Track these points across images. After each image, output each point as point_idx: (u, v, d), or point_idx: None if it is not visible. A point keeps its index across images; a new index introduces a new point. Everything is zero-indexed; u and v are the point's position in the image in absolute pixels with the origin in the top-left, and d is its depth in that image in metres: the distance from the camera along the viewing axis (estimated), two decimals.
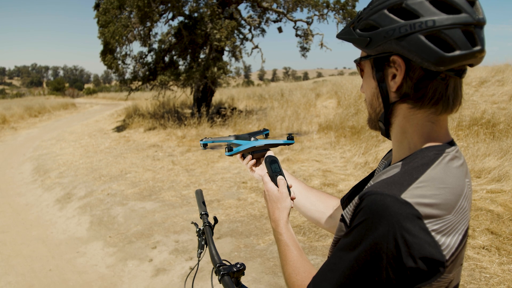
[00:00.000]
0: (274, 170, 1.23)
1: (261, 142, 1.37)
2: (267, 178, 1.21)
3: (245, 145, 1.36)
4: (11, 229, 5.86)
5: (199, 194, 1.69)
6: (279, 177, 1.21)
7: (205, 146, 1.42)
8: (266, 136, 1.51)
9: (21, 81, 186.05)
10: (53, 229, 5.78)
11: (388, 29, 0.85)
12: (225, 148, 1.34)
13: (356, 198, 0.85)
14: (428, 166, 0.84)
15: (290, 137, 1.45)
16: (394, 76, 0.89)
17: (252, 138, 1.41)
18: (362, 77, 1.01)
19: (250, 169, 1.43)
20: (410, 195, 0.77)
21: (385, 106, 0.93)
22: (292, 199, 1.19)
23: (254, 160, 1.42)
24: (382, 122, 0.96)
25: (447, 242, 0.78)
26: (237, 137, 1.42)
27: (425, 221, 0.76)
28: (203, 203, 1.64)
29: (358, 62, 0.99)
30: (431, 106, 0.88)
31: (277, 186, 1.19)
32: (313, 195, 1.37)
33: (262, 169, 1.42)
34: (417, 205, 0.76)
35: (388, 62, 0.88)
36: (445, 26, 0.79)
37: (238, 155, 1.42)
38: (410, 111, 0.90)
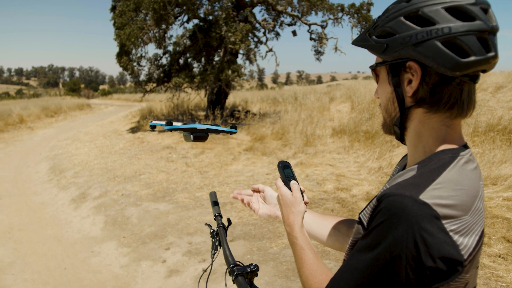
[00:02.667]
0: (287, 175, 1.25)
1: (203, 126, 1.38)
2: (281, 183, 1.23)
3: (188, 125, 1.36)
4: (27, 227, 5.95)
5: (213, 195, 1.71)
6: (292, 182, 1.23)
7: (153, 128, 1.39)
8: (232, 133, 1.48)
9: (38, 81, 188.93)
10: (68, 228, 5.85)
11: (405, 36, 0.87)
12: (165, 122, 1.33)
13: (374, 200, 0.86)
14: (444, 168, 0.85)
15: (234, 127, 1.48)
16: (410, 81, 0.91)
17: (197, 122, 1.42)
18: (377, 82, 1.03)
19: (248, 206, 1.45)
20: (428, 196, 0.79)
21: (400, 111, 0.96)
22: (306, 203, 1.21)
23: (253, 195, 1.46)
24: (398, 127, 0.98)
25: (465, 242, 0.80)
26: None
27: (443, 222, 0.78)
28: (217, 204, 1.66)
29: (374, 68, 1.01)
30: (446, 110, 0.90)
31: (291, 191, 1.20)
32: (328, 223, 1.36)
33: (265, 207, 1.44)
34: (435, 206, 0.78)
35: (404, 67, 0.91)
36: (461, 32, 0.82)
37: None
38: (426, 115, 0.92)
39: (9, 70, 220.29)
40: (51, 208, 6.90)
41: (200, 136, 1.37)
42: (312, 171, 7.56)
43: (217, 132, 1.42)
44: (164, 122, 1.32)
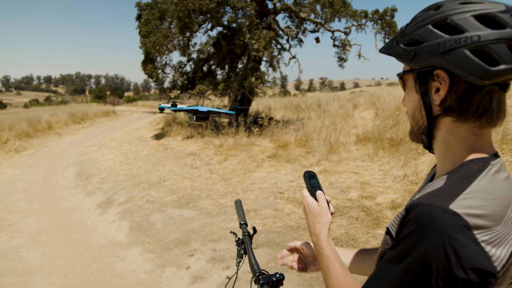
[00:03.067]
0: (313, 185, 1.25)
1: (205, 108, 1.43)
2: (306, 193, 1.23)
3: (191, 107, 1.42)
4: (55, 231, 6.07)
5: (238, 204, 1.72)
6: (318, 192, 1.22)
7: (161, 110, 1.48)
8: (230, 114, 1.58)
9: (66, 88, 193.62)
10: (94, 233, 5.95)
11: (433, 44, 0.86)
12: (170, 103, 1.39)
13: (402, 210, 0.85)
14: (474, 178, 0.84)
15: (232, 109, 1.56)
16: (437, 90, 0.90)
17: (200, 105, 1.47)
18: (404, 90, 1.02)
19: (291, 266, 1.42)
20: (458, 206, 0.77)
21: (428, 119, 0.95)
22: (332, 213, 1.19)
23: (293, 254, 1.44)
24: (425, 135, 0.97)
25: (498, 254, 0.78)
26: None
27: (475, 232, 0.76)
28: (242, 212, 1.67)
29: (401, 75, 1.00)
30: (475, 119, 0.88)
31: (317, 201, 1.20)
32: (350, 252, 1.35)
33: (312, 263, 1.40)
34: (466, 216, 0.76)
35: (432, 76, 0.90)
36: (490, 41, 0.81)
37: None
38: (454, 124, 0.90)
39: (39, 78, 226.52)
40: (78, 213, 7.03)
41: (201, 117, 1.43)
42: (336, 178, 7.50)
43: (218, 114, 1.47)
44: (171, 108, 1.42)
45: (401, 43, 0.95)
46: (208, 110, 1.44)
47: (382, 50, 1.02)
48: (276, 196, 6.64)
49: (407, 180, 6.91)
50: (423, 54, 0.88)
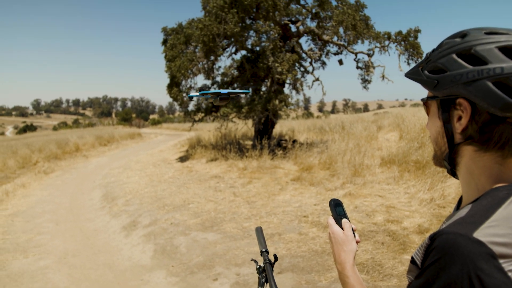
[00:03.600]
0: (339, 213, 1.26)
1: (225, 91, 1.68)
2: (332, 221, 1.24)
3: (215, 90, 1.68)
4: (81, 253, 6.14)
5: (259, 231, 1.72)
6: (344, 220, 1.23)
7: (191, 98, 1.73)
8: (245, 93, 1.93)
9: (93, 111, 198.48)
10: (119, 255, 5.98)
11: (455, 74, 0.87)
12: (197, 90, 1.56)
13: (427, 239, 0.83)
14: (499, 206, 0.82)
15: (247, 89, 1.84)
16: (459, 118, 0.90)
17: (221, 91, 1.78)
18: (428, 115, 1.03)
19: None
20: (483, 234, 0.76)
21: (449, 146, 0.95)
22: (357, 242, 1.19)
23: None
24: (447, 162, 0.97)
25: None
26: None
27: (500, 261, 0.74)
28: (263, 240, 1.67)
29: (425, 101, 1.01)
30: (497, 149, 0.87)
31: (342, 229, 1.20)
32: None
33: None
34: (491, 244, 0.74)
35: (454, 104, 0.90)
36: None
37: None
38: (476, 153, 0.90)
39: (67, 101, 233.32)
40: (103, 235, 7.10)
41: (224, 97, 1.69)
42: (361, 202, 7.39)
43: (236, 94, 1.71)
44: (198, 93, 1.68)
45: (425, 70, 0.96)
46: (228, 92, 1.68)
47: (407, 75, 1.03)
48: (301, 220, 6.58)
49: (434, 203, 6.76)
50: (446, 83, 0.89)
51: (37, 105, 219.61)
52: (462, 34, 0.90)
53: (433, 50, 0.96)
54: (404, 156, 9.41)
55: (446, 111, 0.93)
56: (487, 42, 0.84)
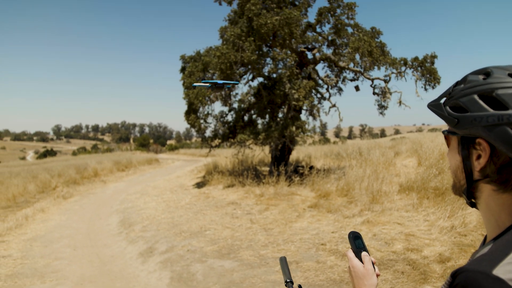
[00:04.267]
0: (358, 246, 1.25)
1: (221, 81, 2.24)
2: (351, 254, 1.23)
3: (212, 81, 2.21)
4: (98, 279, 6.13)
5: (284, 261, 1.71)
6: (364, 253, 1.22)
7: (194, 87, 2.56)
8: (233, 85, 3.06)
9: (112, 137, 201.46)
10: (135, 282, 5.96)
11: (476, 116, 0.87)
12: (201, 80, 2.00)
13: (449, 277, 0.83)
14: None
15: (236, 80, 2.35)
16: (479, 157, 0.90)
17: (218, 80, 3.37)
18: (448, 146, 1.03)
19: None
20: (503, 271, 0.74)
21: (468, 182, 0.94)
22: (377, 275, 1.19)
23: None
24: (466, 195, 0.97)
25: None
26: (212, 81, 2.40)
27: None
28: (288, 270, 1.66)
29: (446, 134, 1.01)
30: None
31: (362, 262, 1.20)
32: None
33: None
34: (511, 282, 0.73)
35: (474, 143, 0.90)
36: None
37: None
38: (494, 192, 0.89)
39: (87, 126, 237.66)
40: (120, 261, 7.10)
41: (219, 87, 2.22)
42: (380, 229, 7.27)
43: (228, 84, 2.23)
44: (201, 83, 2.20)
45: (447, 105, 0.96)
46: (223, 83, 2.22)
47: (429, 107, 1.03)
48: (318, 248, 6.49)
49: (454, 231, 6.61)
50: (466, 123, 0.89)
51: (57, 131, 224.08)
52: (486, 72, 0.90)
53: (456, 84, 0.96)
54: (423, 183, 9.28)
55: (466, 148, 0.93)
56: (510, 86, 0.84)
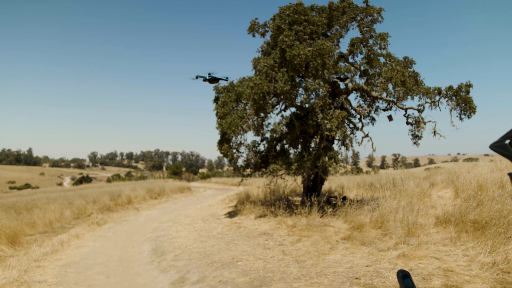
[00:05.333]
0: (407, 285, 1.23)
1: (217, 76, 5.78)
2: None
3: (208, 76, 5.45)
4: None
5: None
6: None
7: (196, 78, 4.32)
8: (225, 79, 7.17)
9: (145, 164, 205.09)
10: None
11: None
12: (196, 76, 3.81)
13: None
14: None
15: (226, 78, 6.35)
16: None
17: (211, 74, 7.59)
18: None
19: None
20: None
21: None
22: None
23: None
24: None
25: None
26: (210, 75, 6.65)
27: None
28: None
29: (511, 175, 0.98)
30: None
31: None
32: None
33: None
34: None
35: None
36: None
37: None
38: None
39: (121, 154, 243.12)
40: None
41: (214, 80, 6.57)
42: (416, 264, 7.03)
43: (221, 79, 5.23)
44: (198, 76, 5.45)
45: None
46: (216, 78, 5.58)
47: (492, 148, 1.01)
48: (352, 282, 6.32)
49: (497, 268, 6.31)
50: None
51: (93, 158, 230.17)
52: None
53: None
54: (461, 216, 8.96)
55: None
56: None
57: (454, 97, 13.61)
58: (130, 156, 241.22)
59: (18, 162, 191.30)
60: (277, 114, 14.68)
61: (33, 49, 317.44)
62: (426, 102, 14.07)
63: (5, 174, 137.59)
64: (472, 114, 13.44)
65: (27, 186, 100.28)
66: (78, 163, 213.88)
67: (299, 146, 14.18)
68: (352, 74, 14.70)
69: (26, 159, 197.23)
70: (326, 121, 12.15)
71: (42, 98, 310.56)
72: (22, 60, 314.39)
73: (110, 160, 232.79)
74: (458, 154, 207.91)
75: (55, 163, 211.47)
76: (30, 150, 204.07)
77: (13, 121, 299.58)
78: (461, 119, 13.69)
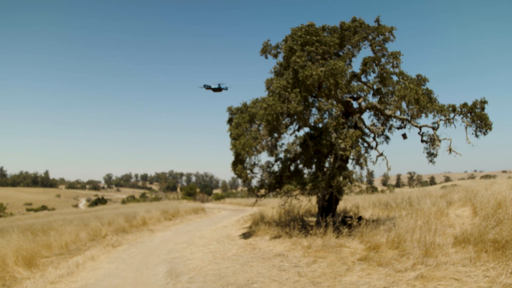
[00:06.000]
0: None
1: (220, 86, 12.58)
2: None
3: (210, 86, 11.72)
4: None
5: None
6: None
7: (204, 86, 5.30)
8: (226, 89, 10.64)
9: (159, 186, 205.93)
10: None
11: None
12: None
13: None
14: None
15: (225, 88, 8.80)
16: None
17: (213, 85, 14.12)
18: None
19: None
20: None
21: None
22: None
23: None
24: None
25: None
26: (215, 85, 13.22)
27: None
28: None
29: None
30: None
31: None
32: None
33: None
34: None
35: None
36: None
37: None
38: None
39: (136, 175, 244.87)
40: None
41: (216, 89, 12.71)
42: (435, 286, 6.89)
43: (220, 89, 6.69)
44: (205, 85, 9.29)
45: None
46: (215, 88, 8.05)
47: None
48: None
49: None
50: None
51: (108, 179, 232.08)
52: None
53: None
54: (480, 235, 8.78)
55: None
56: None
57: (469, 114, 13.51)
58: (144, 177, 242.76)
59: (35, 184, 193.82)
60: (291, 134, 14.70)
61: (49, 72, 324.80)
62: (440, 120, 13.99)
63: (23, 196, 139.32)
64: (488, 130, 13.31)
65: (44, 208, 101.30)
66: (94, 185, 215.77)
67: (313, 166, 14.13)
68: (365, 93, 14.71)
69: (43, 181, 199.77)
70: (340, 141, 12.13)
71: (59, 120, 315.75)
72: (40, 84, 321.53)
73: (125, 181, 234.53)
74: (475, 171, 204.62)
75: (71, 185, 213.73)
76: (46, 172, 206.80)
77: (31, 143, 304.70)
78: (476, 136, 13.55)
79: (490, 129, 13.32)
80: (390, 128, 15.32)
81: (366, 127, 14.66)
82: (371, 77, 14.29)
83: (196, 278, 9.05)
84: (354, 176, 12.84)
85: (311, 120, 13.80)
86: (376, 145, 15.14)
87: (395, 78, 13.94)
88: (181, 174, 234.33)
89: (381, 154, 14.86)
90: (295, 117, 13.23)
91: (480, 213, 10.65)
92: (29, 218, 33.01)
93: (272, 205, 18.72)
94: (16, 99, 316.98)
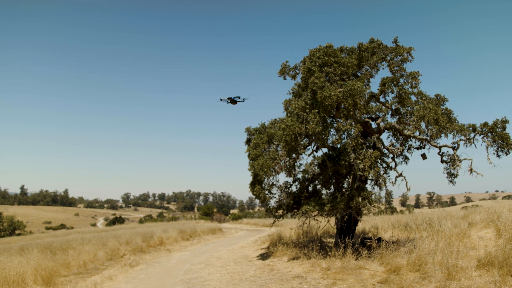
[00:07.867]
0: None
1: (236, 99, 15.50)
2: None
3: (230, 98, 15.17)
4: None
5: None
6: None
7: (221, 100, 6.56)
8: (243, 99, 16.48)
9: (177, 205, 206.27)
10: None
11: None
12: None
13: None
14: None
15: (242, 99, 8.87)
16: None
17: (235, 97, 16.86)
18: None
19: None
20: None
21: None
22: None
23: None
24: None
25: None
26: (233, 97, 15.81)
27: None
28: None
29: None
30: None
31: None
32: None
33: None
34: None
35: None
36: None
37: None
38: None
39: (154, 195, 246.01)
40: None
41: (235, 101, 15.45)
42: None
43: (239, 100, 7.40)
44: (222, 99, 15.53)
45: None
46: (235, 100, 13.69)
47: None
48: None
49: None
50: None
51: (126, 199, 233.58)
52: None
53: None
54: (505, 258, 8.57)
55: None
56: None
57: (490, 134, 13.34)
58: (162, 197, 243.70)
59: (54, 203, 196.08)
60: (309, 155, 14.69)
61: (70, 91, 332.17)
62: (460, 140, 13.85)
63: (42, 214, 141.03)
64: (510, 150, 13.10)
65: (62, 226, 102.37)
66: (112, 204, 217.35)
67: (332, 187, 14.06)
68: (383, 114, 14.66)
69: (62, 200, 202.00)
70: (358, 161, 12.07)
71: (80, 140, 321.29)
72: (63, 104, 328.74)
73: (142, 201, 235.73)
74: (497, 191, 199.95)
75: (90, 204, 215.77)
76: (66, 191, 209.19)
77: (51, 162, 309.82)
78: (498, 156, 13.36)
79: None
80: (409, 149, 15.19)
81: (385, 147, 14.57)
82: (390, 97, 14.29)
83: None
84: (373, 197, 12.72)
85: (330, 141, 13.79)
86: (395, 165, 15.00)
87: (413, 98, 13.90)
88: (199, 194, 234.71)
89: (400, 175, 14.71)
90: (314, 137, 13.24)
91: (505, 235, 10.41)
92: (48, 237, 33.37)
93: (290, 226, 18.58)
94: (38, 119, 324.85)
